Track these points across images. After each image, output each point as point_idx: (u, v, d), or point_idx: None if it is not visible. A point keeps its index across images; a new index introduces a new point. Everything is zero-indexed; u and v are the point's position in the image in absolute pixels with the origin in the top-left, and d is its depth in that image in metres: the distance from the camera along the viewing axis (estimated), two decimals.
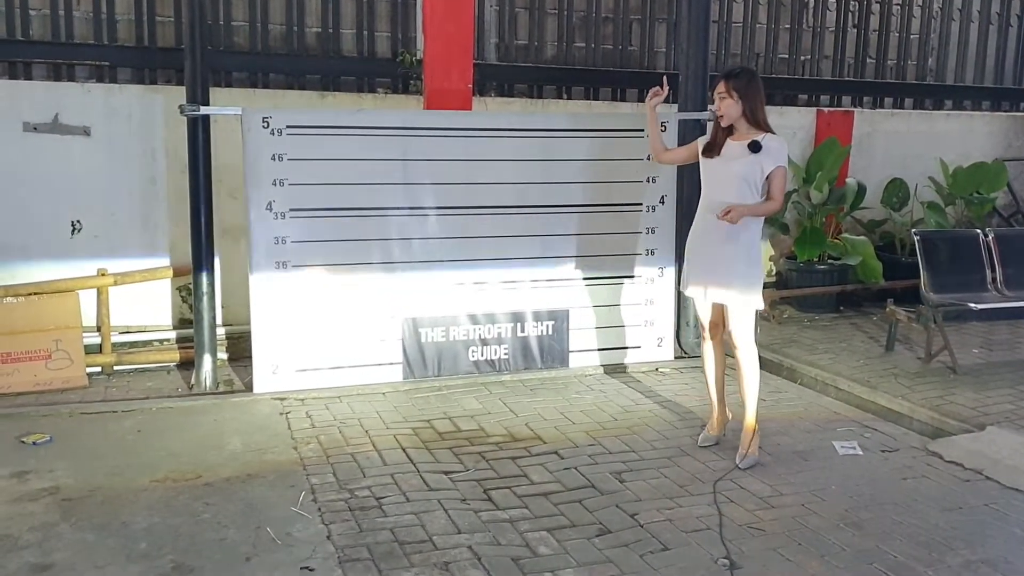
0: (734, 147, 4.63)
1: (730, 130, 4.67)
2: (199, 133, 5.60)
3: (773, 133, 4.64)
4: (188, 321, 6.42)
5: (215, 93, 6.06)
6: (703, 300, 4.81)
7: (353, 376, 5.84)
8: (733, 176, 4.59)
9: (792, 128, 8.32)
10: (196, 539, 3.81)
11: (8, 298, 6.00)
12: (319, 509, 4.09)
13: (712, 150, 4.71)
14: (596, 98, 8.06)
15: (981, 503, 4.30)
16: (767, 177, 4.58)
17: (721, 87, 4.60)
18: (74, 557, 3.65)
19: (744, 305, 4.65)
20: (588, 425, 5.29)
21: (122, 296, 6.44)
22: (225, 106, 5.92)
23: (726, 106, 4.58)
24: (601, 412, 5.53)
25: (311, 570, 3.57)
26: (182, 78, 5.87)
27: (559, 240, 6.19)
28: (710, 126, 5.25)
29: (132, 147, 6.51)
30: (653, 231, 6.36)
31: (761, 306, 4.73)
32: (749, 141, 4.57)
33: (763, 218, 4.79)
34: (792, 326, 7.62)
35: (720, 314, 4.79)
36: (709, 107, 5.85)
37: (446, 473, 4.54)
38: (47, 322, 6.01)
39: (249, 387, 5.75)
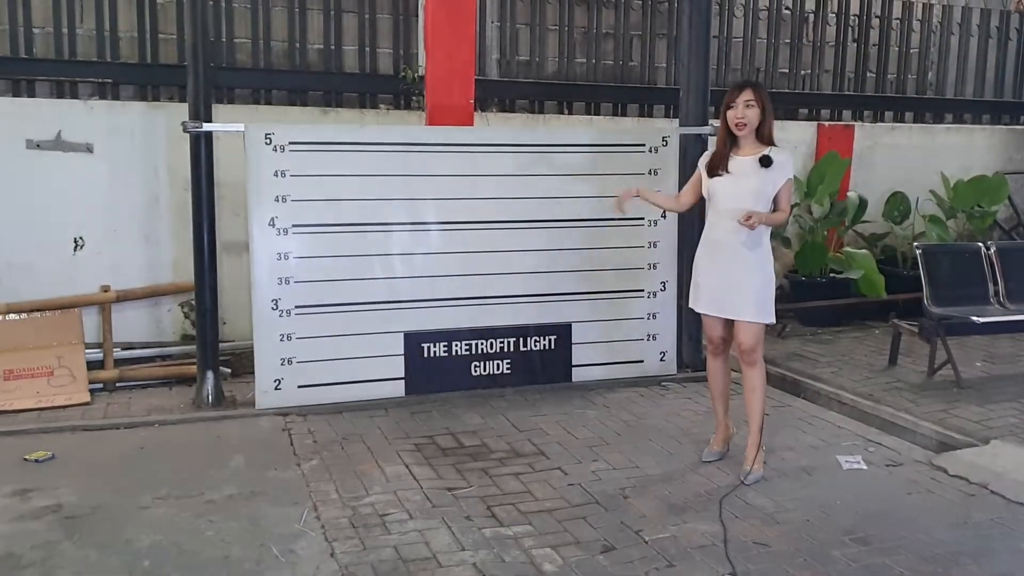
0: (743, 163, 4.59)
1: (734, 145, 4.65)
2: (202, 150, 5.61)
3: (776, 146, 4.63)
4: (190, 337, 6.42)
5: (218, 110, 6.08)
6: (715, 316, 4.78)
7: (355, 392, 5.83)
8: (748, 193, 4.54)
9: (793, 142, 8.33)
10: (199, 557, 3.80)
11: (11, 315, 6.01)
12: (322, 526, 4.08)
13: (718, 168, 4.64)
14: (597, 113, 8.08)
15: (987, 517, 4.28)
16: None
17: (749, 95, 4.50)
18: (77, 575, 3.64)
19: (757, 321, 4.63)
20: (591, 440, 5.28)
21: (124, 312, 6.44)
22: (228, 123, 5.93)
23: (752, 115, 4.52)
24: (604, 427, 5.51)
25: None
26: (185, 95, 5.89)
27: (561, 254, 6.19)
28: (711, 142, 5.25)
29: (135, 164, 6.53)
30: (655, 245, 6.36)
31: (773, 320, 4.70)
32: (759, 156, 4.53)
33: (770, 232, 4.78)
34: (795, 340, 7.61)
35: (729, 329, 4.76)
36: (711, 122, 5.88)
37: (449, 489, 4.53)
38: (49, 339, 6.01)
39: (251, 403, 5.74)
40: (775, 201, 4.61)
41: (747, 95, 4.52)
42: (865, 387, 6.19)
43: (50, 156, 6.33)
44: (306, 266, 5.67)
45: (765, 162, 4.53)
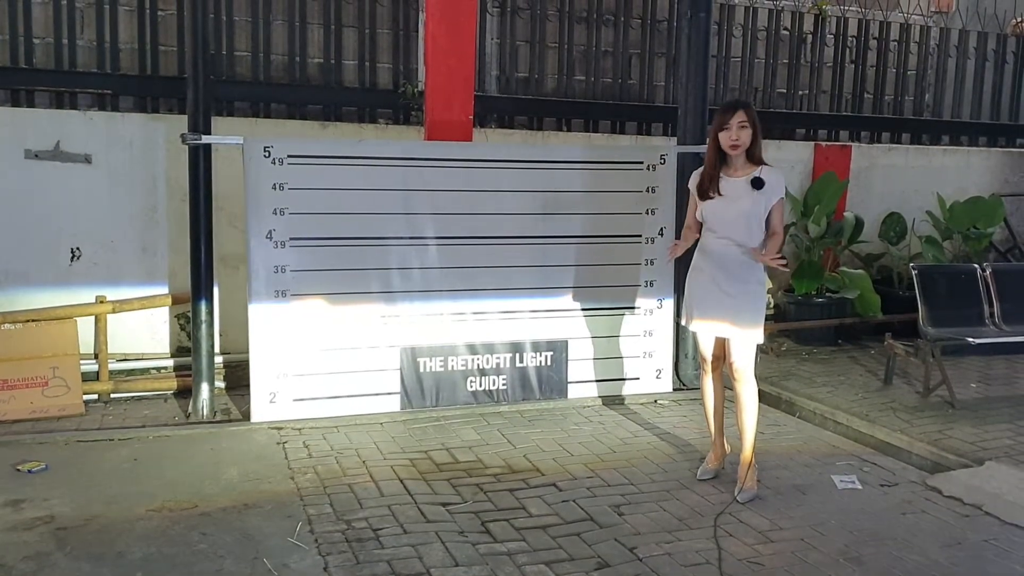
0: (735, 185, 4.60)
1: (724, 165, 4.65)
2: (200, 162, 5.62)
3: (767, 165, 4.63)
4: (186, 349, 6.41)
5: (217, 122, 6.09)
6: (706, 334, 4.79)
7: (351, 406, 5.82)
8: (740, 215, 4.56)
9: (790, 162, 8.37)
10: (192, 570, 3.78)
11: (6, 324, 5.99)
12: (316, 540, 4.07)
13: (709, 191, 4.64)
14: (595, 130, 8.11)
15: (981, 539, 4.28)
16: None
17: (742, 116, 4.51)
18: None
19: (747, 338, 4.64)
20: (586, 457, 5.27)
21: (120, 323, 6.43)
22: (227, 135, 5.94)
23: (745, 136, 4.53)
24: (600, 444, 5.51)
25: None
26: (184, 107, 5.90)
27: (558, 271, 6.20)
28: None
29: (133, 175, 6.53)
30: (652, 263, 6.37)
31: (762, 339, 4.72)
32: (751, 177, 4.55)
33: None
34: (790, 359, 7.62)
35: (722, 347, 4.78)
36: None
37: (444, 505, 4.52)
38: (45, 349, 5.99)
39: (246, 416, 5.72)
40: (768, 221, 4.62)
41: (740, 116, 4.53)
42: (860, 407, 6.19)
43: (48, 166, 6.34)
44: (303, 279, 5.67)
45: (757, 184, 4.54)
